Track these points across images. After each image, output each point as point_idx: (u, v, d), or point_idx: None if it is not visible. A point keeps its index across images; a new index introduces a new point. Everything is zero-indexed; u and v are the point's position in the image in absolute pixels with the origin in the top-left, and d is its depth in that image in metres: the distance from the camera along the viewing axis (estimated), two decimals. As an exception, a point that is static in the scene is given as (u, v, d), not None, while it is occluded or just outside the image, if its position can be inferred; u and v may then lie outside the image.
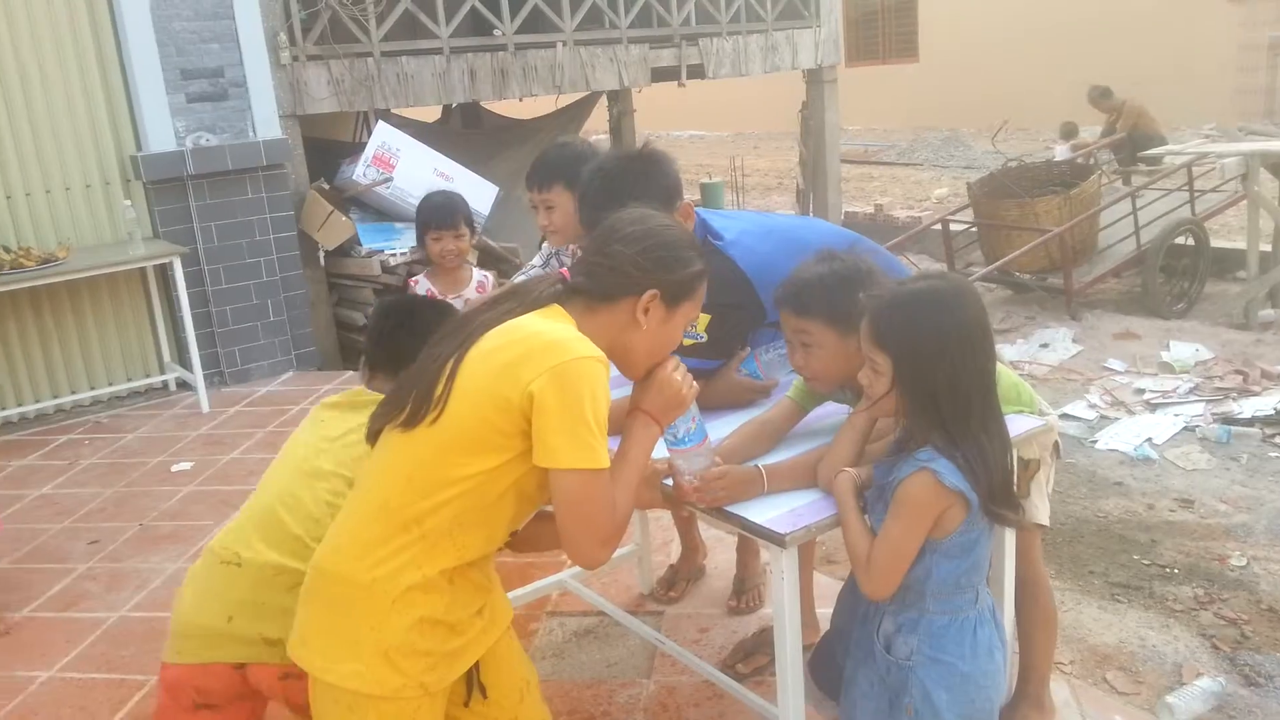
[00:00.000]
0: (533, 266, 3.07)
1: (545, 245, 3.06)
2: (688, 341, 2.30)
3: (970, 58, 17.17)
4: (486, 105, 8.98)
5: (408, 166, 6.24)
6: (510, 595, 3.05)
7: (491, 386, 1.62)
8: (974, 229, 8.52)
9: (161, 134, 5.62)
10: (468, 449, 1.63)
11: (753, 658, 2.80)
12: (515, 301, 1.77)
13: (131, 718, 2.80)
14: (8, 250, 5.09)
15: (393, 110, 7.10)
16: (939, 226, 8.66)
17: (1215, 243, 8.23)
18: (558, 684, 2.81)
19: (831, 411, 2.24)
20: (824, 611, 2.73)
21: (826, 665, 2.12)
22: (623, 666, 2.88)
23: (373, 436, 1.78)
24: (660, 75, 8.08)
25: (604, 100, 9.03)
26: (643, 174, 2.28)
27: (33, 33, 5.29)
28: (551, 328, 1.70)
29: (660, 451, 1.88)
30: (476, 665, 1.80)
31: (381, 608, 1.63)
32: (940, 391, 1.76)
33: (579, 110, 8.73)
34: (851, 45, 18.79)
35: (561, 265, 3.08)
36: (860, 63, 19.28)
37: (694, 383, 1.84)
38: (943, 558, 1.82)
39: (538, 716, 1.98)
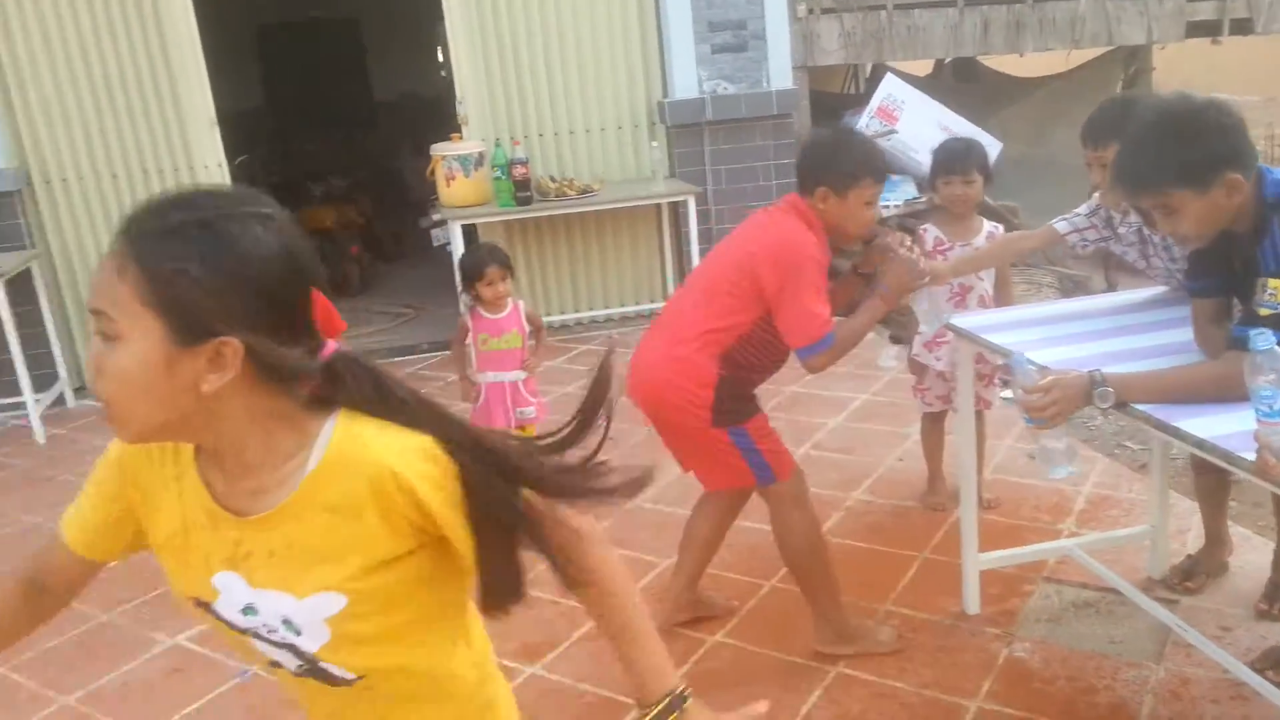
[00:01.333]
0: (1077, 214, 2.95)
1: (1095, 197, 2.92)
2: (1265, 312, 2.09)
3: None
4: (983, 60, 8.65)
5: (911, 119, 6.20)
6: (1004, 554, 3.03)
7: None
8: None
9: (686, 82, 6.10)
10: None
11: (1287, 668, 2.53)
12: None
13: (647, 591, 3.17)
14: (554, 180, 5.86)
15: (889, 63, 7.07)
16: None
17: None
18: (1055, 648, 2.74)
19: None
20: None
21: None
22: (1128, 646, 2.73)
23: None
24: (1194, 30, 7.24)
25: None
26: (1187, 131, 1.95)
27: (588, -11, 5.97)
28: None
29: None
30: None
31: None
32: None
33: (1097, 72, 8.04)
34: None
35: (1107, 220, 2.93)
36: None
37: None
38: None
39: None
